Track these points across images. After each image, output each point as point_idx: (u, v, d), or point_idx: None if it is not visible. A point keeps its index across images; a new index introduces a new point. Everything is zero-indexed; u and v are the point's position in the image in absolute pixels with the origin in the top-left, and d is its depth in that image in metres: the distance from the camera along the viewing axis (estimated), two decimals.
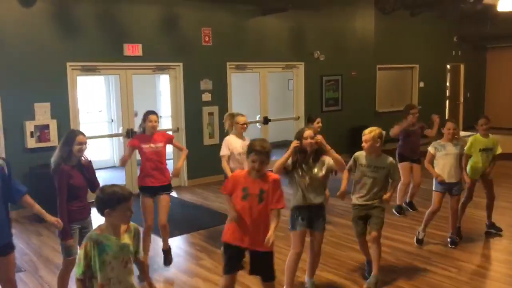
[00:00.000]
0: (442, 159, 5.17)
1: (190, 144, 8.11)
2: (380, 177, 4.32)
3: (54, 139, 7.05)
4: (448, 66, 13.38)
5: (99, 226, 2.76)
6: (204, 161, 8.39)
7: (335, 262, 4.98)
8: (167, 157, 5.00)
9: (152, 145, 4.74)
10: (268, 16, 9.18)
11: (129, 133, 8.00)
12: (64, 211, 3.80)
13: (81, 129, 7.39)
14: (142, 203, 4.75)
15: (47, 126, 7.01)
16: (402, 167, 6.36)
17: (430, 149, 5.25)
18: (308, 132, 3.94)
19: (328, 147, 3.98)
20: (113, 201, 2.66)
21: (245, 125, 5.26)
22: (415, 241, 5.40)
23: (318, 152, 4.00)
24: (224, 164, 5.10)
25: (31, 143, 6.85)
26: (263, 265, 3.55)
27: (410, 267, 4.84)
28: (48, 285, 4.65)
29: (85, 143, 3.86)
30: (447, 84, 13.53)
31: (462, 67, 13.59)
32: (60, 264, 5.15)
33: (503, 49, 13.95)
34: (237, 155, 5.15)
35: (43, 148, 6.91)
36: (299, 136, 3.96)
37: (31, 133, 6.87)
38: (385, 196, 4.34)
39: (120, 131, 8.28)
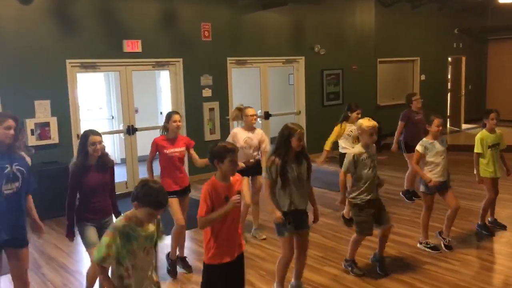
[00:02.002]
0: (433, 159, 4.88)
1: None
2: (375, 166, 4.36)
3: (54, 136, 7.04)
4: (449, 59, 13.31)
5: (126, 215, 2.77)
6: (205, 156, 8.32)
7: (339, 256, 4.97)
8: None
9: (176, 149, 4.68)
10: (267, 10, 9.14)
11: (129, 130, 7.98)
12: (70, 210, 3.85)
13: (82, 127, 7.45)
14: (171, 205, 4.63)
15: (47, 124, 7.00)
16: (409, 156, 6.46)
17: (419, 148, 4.93)
18: (301, 132, 3.77)
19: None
20: (145, 200, 2.67)
21: (255, 117, 5.38)
22: (428, 249, 5.06)
23: (301, 153, 3.85)
24: None
25: (32, 140, 6.84)
26: (241, 273, 3.42)
27: (412, 261, 4.83)
28: (51, 282, 4.65)
29: (99, 142, 3.83)
30: (449, 76, 13.47)
31: (463, 59, 13.52)
32: (63, 262, 5.18)
33: (504, 41, 13.88)
34: (240, 148, 5.17)
35: (44, 146, 6.91)
36: (290, 135, 3.75)
37: (32, 130, 6.85)
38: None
39: (121, 128, 8.26)
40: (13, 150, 3.42)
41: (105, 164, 3.93)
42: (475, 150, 5.31)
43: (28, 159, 3.53)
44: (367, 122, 4.30)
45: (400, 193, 6.86)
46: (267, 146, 5.44)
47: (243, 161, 5.19)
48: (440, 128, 4.90)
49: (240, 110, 5.42)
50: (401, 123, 6.81)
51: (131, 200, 2.74)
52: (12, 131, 3.35)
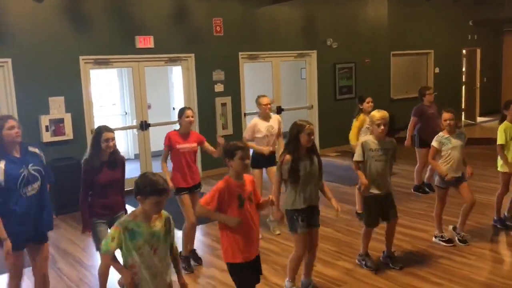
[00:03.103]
0: (448, 154, 4.81)
1: (203, 135, 8.08)
2: (388, 160, 4.32)
3: (69, 132, 7.10)
4: (464, 51, 13.13)
5: (133, 212, 2.80)
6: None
7: (352, 251, 4.95)
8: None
9: (187, 145, 4.70)
10: (279, 4, 9.09)
11: (142, 125, 8.02)
12: (83, 205, 3.89)
13: (95, 123, 7.51)
14: (182, 202, 4.70)
15: (61, 120, 7.06)
16: (420, 152, 6.59)
17: (434, 144, 4.87)
18: (311, 127, 3.76)
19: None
20: (146, 190, 2.69)
21: (269, 105, 5.48)
22: (442, 242, 5.02)
23: (312, 150, 3.85)
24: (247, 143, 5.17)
25: (47, 137, 6.91)
26: (259, 268, 3.46)
27: (427, 255, 4.79)
28: (67, 277, 4.71)
29: (112, 138, 3.87)
30: (463, 69, 13.29)
31: (478, 51, 13.31)
32: (79, 256, 5.25)
33: None
34: (262, 137, 5.41)
35: (58, 142, 6.97)
36: (299, 131, 3.75)
37: (46, 127, 6.92)
38: None
39: (134, 124, 8.31)
40: (26, 149, 3.45)
41: (116, 161, 3.96)
42: (499, 142, 5.16)
43: (42, 155, 3.57)
44: (377, 113, 4.30)
45: (412, 190, 6.81)
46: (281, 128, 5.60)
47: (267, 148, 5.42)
48: (448, 122, 4.78)
49: (257, 98, 5.54)
50: (414, 118, 6.76)
51: (134, 196, 2.75)
52: (16, 130, 3.38)
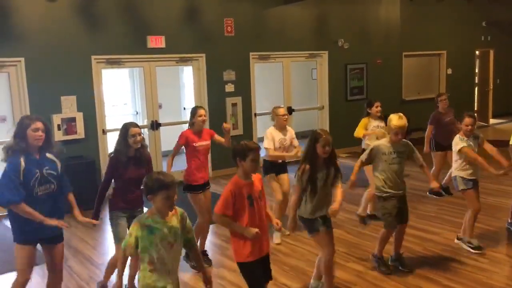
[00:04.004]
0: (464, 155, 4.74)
1: None
2: (402, 162, 4.32)
3: (80, 131, 7.15)
4: (477, 52, 12.99)
5: (150, 209, 2.85)
6: (228, 152, 8.18)
7: (362, 253, 4.92)
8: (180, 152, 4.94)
9: (203, 142, 4.74)
10: (290, 4, 9.07)
11: (153, 125, 8.05)
12: (100, 197, 3.95)
13: (107, 122, 7.55)
14: (196, 200, 4.70)
15: (73, 119, 7.11)
16: (437, 155, 6.63)
17: (462, 144, 4.71)
18: (327, 139, 3.69)
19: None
20: (154, 187, 2.74)
21: (286, 116, 5.44)
22: (472, 250, 4.84)
23: (329, 160, 3.79)
24: (273, 154, 5.23)
25: (59, 136, 6.96)
26: (269, 266, 3.44)
27: (439, 258, 4.74)
28: (77, 275, 4.74)
29: (139, 134, 3.96)
30: (476, 70, 13.15)
31: (491, 52, 13.17)
32: (89, 255, 5.28)
33: None
34: (276, 148, 5.35)
35: (70, 141, 7.02)
36: (315, 140, 3.70)
37: (58, 126, 6.97)
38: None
39: (145, 123, 8.34)
40: (44, 154, 3.49)
41: (143, 157, 4.03)
42: None
43: (58, 164, 3.60)
44: (395, 121, 4.21)
45: (428, 193, 6.75)
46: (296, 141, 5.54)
47: (275, 160, 5.37)
48: (470, 127, 4.71)
49: (274, 109, 5.50)
50: (430, 126, 6.70)
51: (145, 196, 2.82)
52: (40, 133, 3.40)
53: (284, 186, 5.43)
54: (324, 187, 3.77)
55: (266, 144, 5.32)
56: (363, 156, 4.39)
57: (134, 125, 4.01)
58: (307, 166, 3.73)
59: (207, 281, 3.07)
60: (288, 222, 3.87)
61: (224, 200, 3.20)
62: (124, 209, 3.98)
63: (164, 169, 4.85)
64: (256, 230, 3.17)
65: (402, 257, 4.56)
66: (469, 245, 4.88)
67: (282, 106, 5.61)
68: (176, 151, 4.79)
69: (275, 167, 5.44)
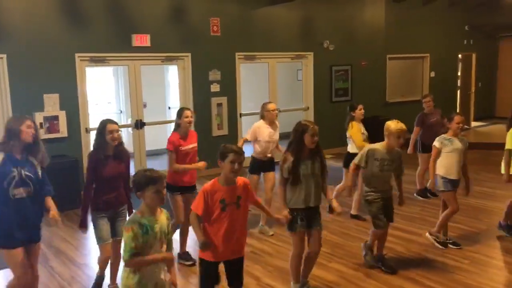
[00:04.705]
0: (448, 156, 4.84)
1: (199, 136, 8.01)
2: (393, 169, 4.38)
3: (63, 130, 7.06)
4: (460, 56, 13.19)
5: (139, 209, 2.84)
6: (213, 152, 8.26)
7: (345, 253, 4.96)
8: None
9: (189, 145, 4.71)
10: (276, 5, 9.09)
11: (138, 124, 7.99)
12: (86, 201, 3.89)
13: (90, 121, 7.47)
14: (175, 202, 4.67)
15: (56, 117, 7.02)
16: (422, 156, 6.70)
17: (436, 143, 4.92)
18: (315, 128, 3.74)
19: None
20: (142, 183, 2.77)
21: (276, 111, 5.52)
22: (438, 245, 5.04)
23: (315, 150, 3.83)
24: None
25: (41, 134, 6.83)
26: (238, 273, 3.43)
27: (421, 259, 4.80)
28: (59, 275, 4.67)
29: (117, 130, 3.89)
30: (459, 73, 13.35)
31: (474, 56, 13.39)
32: (72, 255, 5.21)
33: None
34: (264, 142, 5.41)
35: (53, 139, 6.93)
36: (303, 131, 3.74)
37: (41, 124, 6.87)
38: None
39: (129, 122, 8.28)
40: (27, 155, 3.45)
41: (122, 154, 3.97)
42: (507, 147, 5.08)
43: (39, 168, 3.54)
44: (395, 125, 4.26)
45: (414, 194, 6.82)
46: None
47: (266, 154, 5.45)
48: (460, 125, 4.87)
49: (264, 105, 5.54)
50: (416, 128, 6.78)
51: (134, 193, 2.83)
52: (32, 130, 3.42)
53: (269, 183, 5.48)
54: (309, 177, 3.79)
55: (246, 135, 5.55)
56: (359, 161, 4.36)
57: (112, 121, 3.94)
58: (289, 155, 3.77)
59: (173, 283, 3.03)
60: (281, 213, 3.84)
61: (196, 199, 3.29)
62: (106, 209, 3.91)
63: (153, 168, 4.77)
64: (207, 241, 3.20)
65: (384, 258, 4.60)
66: (436, 239, 5.03)
67: (272, 102, 5.66)
68: (173, 158, 4.60)
69: (261, 165, 5.50)
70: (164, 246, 2.91)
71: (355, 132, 5.81)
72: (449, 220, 5.05)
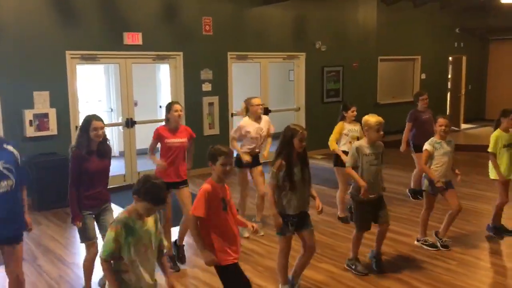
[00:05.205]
0: (440, 159, 4.86)
1: None
2: (379, 163, 4.37)
3: (53, 128, 7.01)
4: (450, 58, 13.29)
5: (127, 209, 2.81)
6: (204, 151, 8.24)
7: (336, 253, 4.97)
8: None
9: (176, 139, 4.64)
10: (269, 5, 9.09)
11: (128, 123, 7.95)
12: (72, 196, 3.84)
13: (80, 119, 7.40)
14: None
15: (46, 115, 6.96)
16: (417, 156, 6.54)
17: (427, 147, 4.89)
18: (304, 133, 3.75)
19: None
20: (147, 196, 2.71)
21: (261, 106, 5.51)
22: (426, 246, 5.08)
23: (303, 154, 3.84)
24: (233, 144, 5.42)
25: (30, 131, 6.81)
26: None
27: (410, 259, 4.83)
28: (47, 274, 4.64)
29: (101, 128, 3.85)
30: (449, 76, 13.46)
31: (464, 59, 13.49)
32: (60, 254, 5.17)
33: (506, 42, 13.85)
34: (251, 138, 5.42)
35: (42, 137, 6.88)
36: (292, 135, 3.73)
37: (30, 121, 6.82)
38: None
39: (120, 121, 8.23)
40: (1, 146, 3.33)
41: (105, 151, 3.94)
42: (490, 150, 5.15)
43: (18, 155, 3.41)
44: (372, 118, 4.30)
45: (407, 190, 6.85)
46: (272, 129, 5.63)
47: (252, 150, 5.45)
48: (443, 127, 4.84)
49: (247, 100, 5.54)
50: (408, 123, 6.76)
51: (132, 193, 2.77)
52: None
53: (260, 178, 5.51)
54: (301, 182, 3.79)
55: (232, 132, 5.60)
56: (353, 163, 4.36)
57: (98, 118, 3.88)
58: (283, 162, 3.75)
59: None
60: (273, 220, 3.85)
61: (197, 200, 3.19)
62: (90, 207, 3.87)
63: (144, 167, 4.76)
64: (213, 258, 3.17)
65: (380, 258, 4.61)
66: (424, 243, 5.10)
67: (258, 96, 5.65)
68: (152, 146, 4.70)
69: (249, 161, 5.45)
70: (150, 252, 2.83)
71: (335, 131, 5.82)
72: (427, 220, 5.12)
